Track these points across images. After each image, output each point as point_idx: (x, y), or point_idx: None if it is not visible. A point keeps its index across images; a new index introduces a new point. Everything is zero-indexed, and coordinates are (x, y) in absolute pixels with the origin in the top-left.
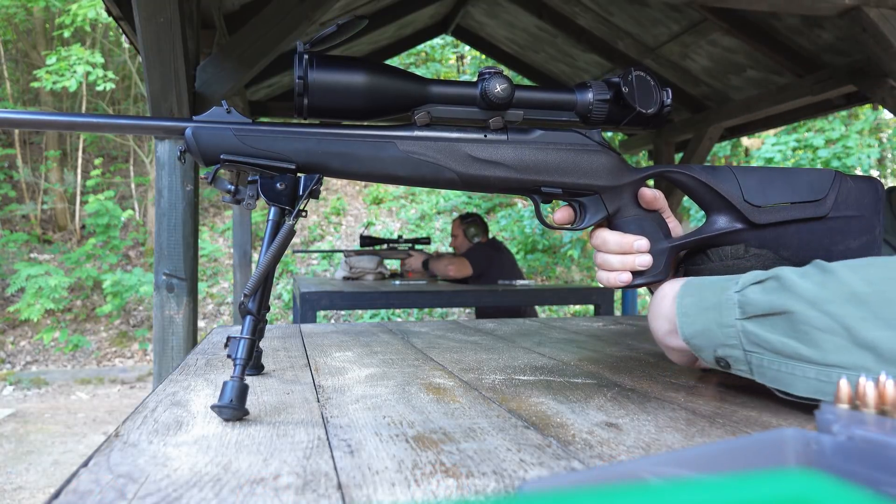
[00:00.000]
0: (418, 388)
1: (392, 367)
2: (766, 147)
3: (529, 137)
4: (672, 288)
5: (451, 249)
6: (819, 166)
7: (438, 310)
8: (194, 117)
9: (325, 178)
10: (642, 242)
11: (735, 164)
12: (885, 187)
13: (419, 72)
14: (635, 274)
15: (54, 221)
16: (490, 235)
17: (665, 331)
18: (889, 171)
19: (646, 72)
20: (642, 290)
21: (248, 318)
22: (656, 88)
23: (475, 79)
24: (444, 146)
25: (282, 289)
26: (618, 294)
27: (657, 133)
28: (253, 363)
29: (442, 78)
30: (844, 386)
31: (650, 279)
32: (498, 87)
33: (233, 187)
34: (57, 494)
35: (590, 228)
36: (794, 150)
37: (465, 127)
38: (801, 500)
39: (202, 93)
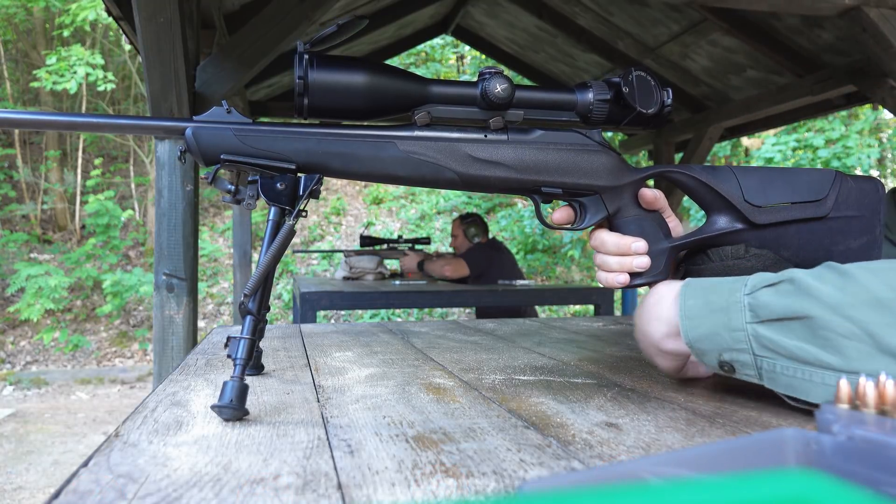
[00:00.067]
0: (418, 388)
1: (392, 367)
2: (766, 147)
3: (530, 137)
4: (670, 289)
5: (451, 249)
6: (819, 166)
7: (438, 310)
8: (194, 117)
9: (325, 178)
10: (640, 244)
11: (735, 164)
12: (889, 189)
13: (419, 72)
14: (633, 275)
15: (54, 221)
16: (490, 235)
17: (662, 334)
18: (889, 171)
19: (646, 72)
20: (643, 290)
21: (248, 318)
22: (657, 88)
23: (475, 79)
24: (445, 146)
25: (282, 289)
26: (618, 294)
27: (657, 133)
28: (253, 363)
29: (442, 78)
30: (844, 386)
31: (650, 279)
32: (498, 87)
33: (233, 187)
34: (57, 494)
35: (590, 229)
36: (794, 150)
37: (465, 127)
38: (801, 500)
39: (202, 93)
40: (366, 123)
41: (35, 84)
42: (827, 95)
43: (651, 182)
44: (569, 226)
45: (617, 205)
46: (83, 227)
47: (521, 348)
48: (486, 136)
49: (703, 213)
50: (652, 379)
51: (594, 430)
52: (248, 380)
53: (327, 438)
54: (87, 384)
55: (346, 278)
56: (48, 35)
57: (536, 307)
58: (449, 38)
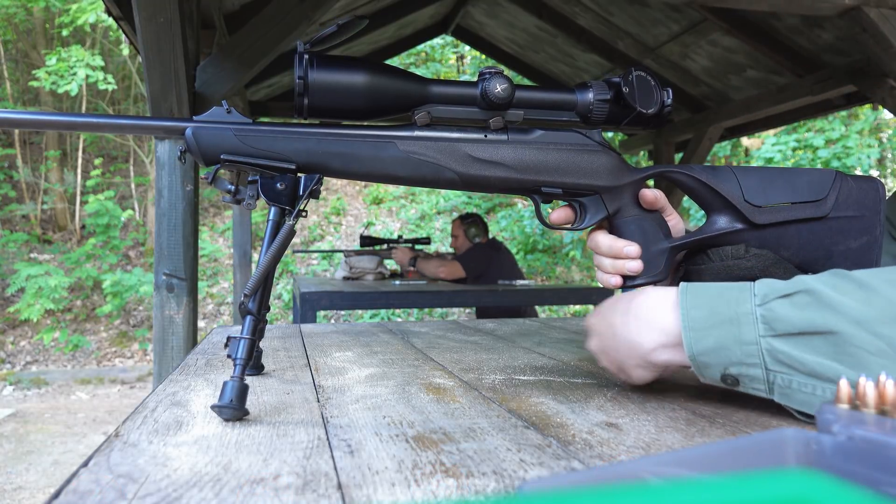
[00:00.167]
0: (418, 388)
1: (392, 367)
2: (766, 147)
3: (530, 137)
4: (666, 297)
5: (451, 250)
6: (819, 166)
7: (438, 310)
8: (194, 117)
9: (325, 178)
10: (631, 248)
11: (735, 164)
12: (891, 192)
13: (419, 72)
14: (629, 276)
15: (54, 221)
16: (490, 235)
17: (657, 344)
18: (889, 171)
19: (646, 72)
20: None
21: (248, 318)
22: (657, 88)
23: (475, 79)
24: (445, 146)
25: (282, 289)
26: (618, 294)
27: (657, 133)
28: (253, 363)
29: (442, 78)
30: (844, 386)
31: (649, 279)
32: (498, 87)
33: (233, 187)
34: (57, 494)
35: (590, 229)
36: (794, 150)
37: (465, 127)
38: (801, 500)
39: (202, 93)
40: (366, 123)
41: (35, 84)
42: (827, 95)
43: (651, 182)
44: (569, 226)
45: (617, 205)
46: (83, 227)
47: (521, 348)
48: (486, 136)
49: (703, 213)
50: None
51: (594, 430)
52: (248, 380)
53: (327, 438)
54: (87, 384)
55: (346, 278)
56: (48, 35)
57: (536, 307)
58: (449, 38)
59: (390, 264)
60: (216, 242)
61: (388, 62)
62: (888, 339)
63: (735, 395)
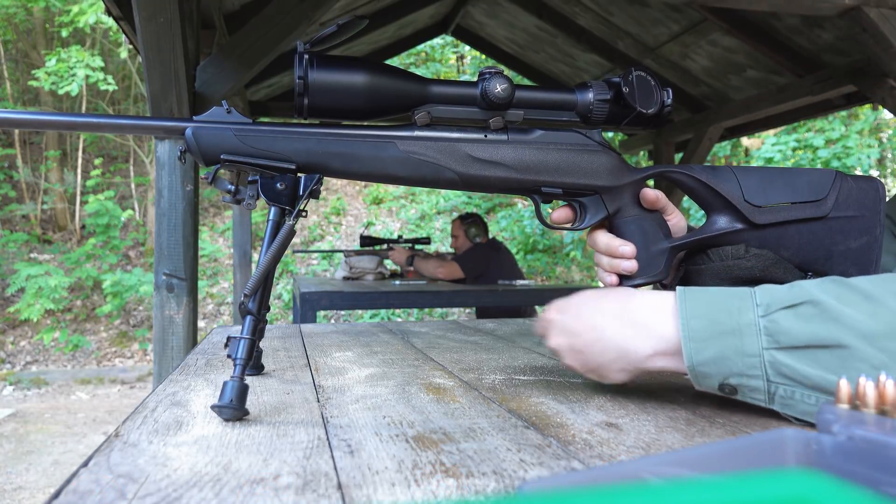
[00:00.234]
0: (418, 388)
1: (392, 367)
2: (766, 147)
3: (530, 137)
4: (664, 303)
5: (451, 250)
6: (819, 166)
7: (438, 310)
8: (194, 117)
9: (325, 177)
10: (626, 248)
11: (735, 164)
12: (891, 191)
13: (419, 72)
14: (627, 277)
15: (54, 221)
16: (490, 236)
17: (653, 352)
18: (889, 170)
19: (646, 72)
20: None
21: (248, 318)
22: (657, 88)
23: (475, 79)
24: (445, 146)
25: (282, 289)
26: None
27: (657, 133)
28: (253, 363)
29: (442, 78)
30: (844, 386)
31: (649, 279)
32: (498, 87)
33: (233, 187)
34: (57, 494)
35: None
36: (794, 150)
37: (465, 127)
38: (801, 500)
39: (202, 93)
40: (366, 123)
41: (34, 84)
42: (827, 95)
43: (651, 182)
44: (569, 226)
45: (617, 205)
46: (83, 227)
47: (521, 348)
48: (486, 136)
49: (703, 213)
50: (652, 379)
51: (594, 430)
52: (248, 380)
53: (327, 438)
54: (87, 384)
55: (346, 278)
56: (48, 35)
57: (536, 307)
58: (449, 38)
59: (390, 264)
60: (216, 242)
61: (388, 62)
62: (892, 353)
63: None
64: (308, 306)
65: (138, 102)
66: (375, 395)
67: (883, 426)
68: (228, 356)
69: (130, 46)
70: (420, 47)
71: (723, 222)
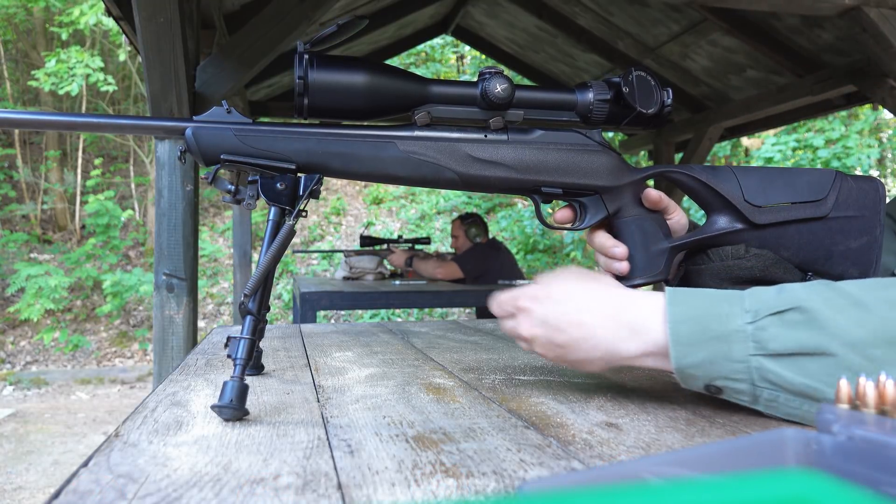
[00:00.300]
0: (418, 388)
1: (392, 367)
2: (766, 147)
3: (530, 137)
4: (655, 305)
5: (451, 250)
6: (819, 166)
7: (438, 310)
8: (194, 117)
9: (325, 177)
10: (618, 250)
11: (735, 164)
12: (891, 191)
13: (419, 72)
14: (621, 277)
15: (54, 221)
16: (490, 235)
17: (641, 353)
18: (889, 170)
19: (646, 72)
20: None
21: (248, 318)
22: (657, 88)
23: (475, 79)
24: (445, 146)
25: (282, 289)
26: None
27: (657, 133)
28: (253, 363)
29: (442, 78)
30: (844, 386)
31: (650, 279)
32: (498, 87)
33: (233, 187)
34: (57, 494)
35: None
36: (794, 150)
37: (465, 127)
38: (801, 500)
39: (202, 93)
40: (366, 123)
41: (34, 84)
42: (827, 95)
43: (651, 182)
44: (569, 226)
45: (617, 205)
46: (83, 227)
47: (521, 348)
48: (486, 136)
49: (703, 212)
50: (652, 379)
51: (594, 430)
52: (248, 380)
53: (327, 438)
54: (87, 384)
55: (346, 278)
56: (48, 35)
57: None
58: (449, 38)
59: (389, 265)
60: (216, 242)
61: (388, 62)
62: (878, 361)
63: None
64: (308, 306)
65: (138, 102)
66: (375, 395)
67: (883, 426)
68: (228, 356)
69: (130, 47)
70: (420, 47)
71: (723, 222)
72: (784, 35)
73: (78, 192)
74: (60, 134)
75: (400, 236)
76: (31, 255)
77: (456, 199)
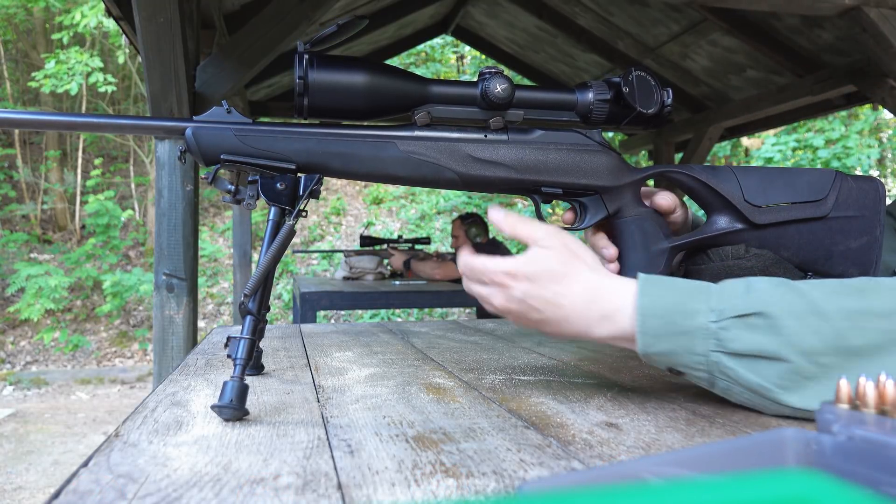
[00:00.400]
0: (418, 388)
1: (392, 367)
2: (766, 147)
3: (530, 137)
4: (626, 292)
5: (451, 250)
6: (819, 166)
7: (438, 310)
8: (194, 117)
9: (325, 177)
10: (607, 252)
11: (735, 164)
12: (891, 191)
13: (419, 72)
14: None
15: (54, 221)
16: (490, 235)
17: (610, 336)
18: (889, 170)
19: (646, 72)
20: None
21: (248, 318)
22: (657, 88)
23: (475, 79)
24: (445, 146)
25: (282, 289)
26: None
27: (657, 133)
28: (253, 363)
29: (442, 78)
30: (844, 386)
31: None
32: (498, 87)
33: (233, 187)
34: (57, 494)
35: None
36: (794, 150)
37: (465, 127)
38: (801, 500)
39: (202, 93)
40: (366, 123)
41: (34, 84)
42: (827, 95)
43: (651, 182)
44: (569, 226)
45: (617, 205)
46: (83, 227)
47: (521, 348)
48: (486, 136)
49: (703, 212)
50: (652, 379)
51: (594, 430)
52: (248, 380)
53: (327, 438)
54: (87, 384)
55: (346, 278)
56: (48, 35)
57: None
58: (449, 38)
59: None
60: (216, 242)
61: (388, 62)
62: (827, 367)
63: None
64: (308, 306)
65: (138, 102)
66: (375, 395)
67: (883, 426)
68: (228, 356)
69: (130, 47)
70: (420, 47)
71: (723, 222)
72: (784, 35)
73: (78, 192)
74: (60, 134)
75: (400, 236)
76: (31, 255)
77: (456, 199)
